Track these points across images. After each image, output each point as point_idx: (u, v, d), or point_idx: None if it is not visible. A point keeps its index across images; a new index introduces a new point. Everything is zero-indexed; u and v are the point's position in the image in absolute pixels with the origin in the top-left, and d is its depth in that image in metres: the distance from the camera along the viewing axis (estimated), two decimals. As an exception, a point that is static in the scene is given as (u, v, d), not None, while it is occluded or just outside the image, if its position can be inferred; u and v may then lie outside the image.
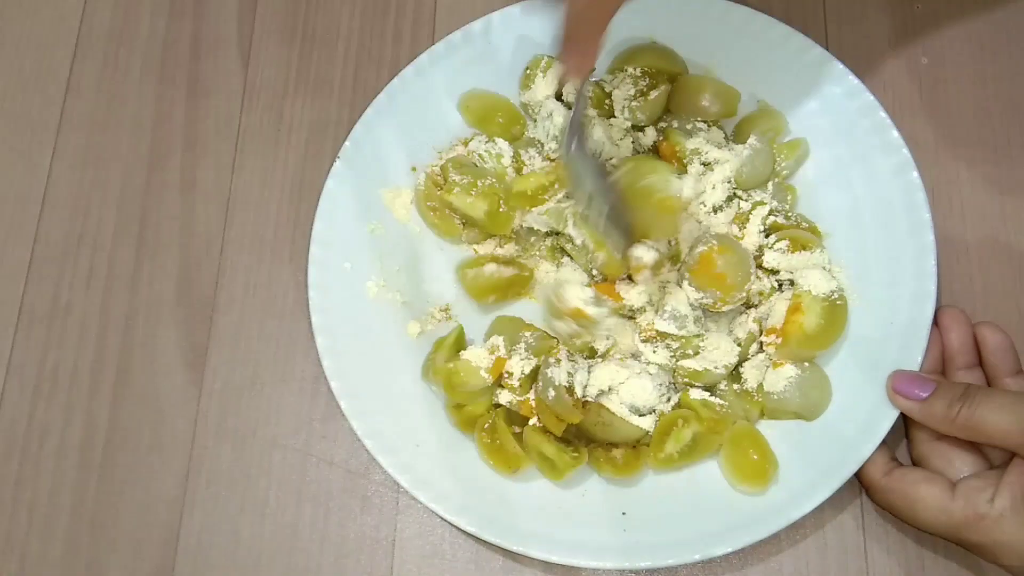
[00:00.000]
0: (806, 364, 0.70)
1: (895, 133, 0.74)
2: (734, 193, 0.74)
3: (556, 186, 0.73)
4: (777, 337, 0.70)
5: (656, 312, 0.71)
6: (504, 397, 0.72)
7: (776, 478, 0.68)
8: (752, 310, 0.72)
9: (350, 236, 0.76)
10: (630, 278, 0.72)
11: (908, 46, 0.83)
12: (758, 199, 0.74)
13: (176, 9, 0.88)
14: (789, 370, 0.69)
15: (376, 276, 0.76)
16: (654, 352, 0.70)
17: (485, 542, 0.69)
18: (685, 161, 0.74)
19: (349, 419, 0.71)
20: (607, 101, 0.78)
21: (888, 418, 0.67)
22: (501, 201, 0.74)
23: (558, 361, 0.69)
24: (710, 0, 0.78)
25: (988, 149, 0.79)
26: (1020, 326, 0.74)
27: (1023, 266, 0.76)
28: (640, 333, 0.71)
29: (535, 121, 0.79)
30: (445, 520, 0.69)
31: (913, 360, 0.68)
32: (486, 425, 0.70)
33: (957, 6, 0.84)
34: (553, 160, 0.76)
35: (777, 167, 0.75)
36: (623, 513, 0.69)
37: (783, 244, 0.72)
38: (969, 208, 0.78)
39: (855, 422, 0.68)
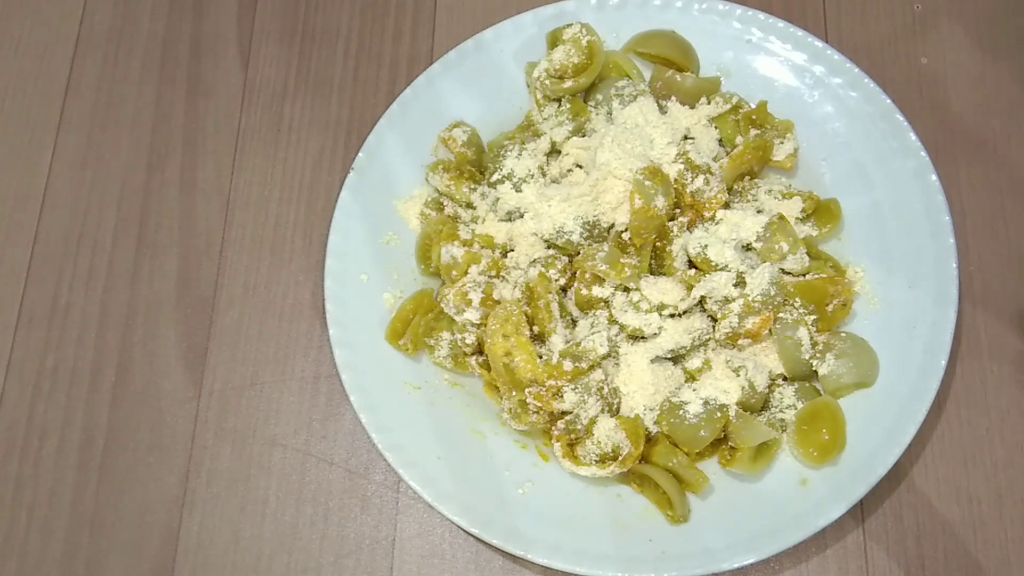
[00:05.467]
0: (842, 334, 0.71)
1: (913, 136, 0.74)
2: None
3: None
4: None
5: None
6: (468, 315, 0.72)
7: (836, 460, 0.68)
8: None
9: (366, 248, 0.76)
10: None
11: (908, 46, 0.83)
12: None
13: (176, 9, 0.88)
14: (831, 348, 0.70)
15: (392, 287, 0.76)
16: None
17: (485, 542, 0.69)
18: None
19: (358, 412, 0.71)
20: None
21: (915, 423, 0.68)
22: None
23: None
24: (720, 4, 0.79)
25: (988, 149, 0.79)
26: (1020, 326, 0.75)
27: (1023, 266, 0.76)
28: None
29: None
30: (447, 520, 0.69)
31: (937, 365, 0.68)
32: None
33: (957, 6, 0.84)
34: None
35: (816, 235, 0.75)
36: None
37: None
38: (969, 208, 0.78)
39: (880, 432, 0.68)
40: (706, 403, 0.68)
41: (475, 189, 0.76)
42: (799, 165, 0.77)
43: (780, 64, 0.78)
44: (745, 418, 0.68)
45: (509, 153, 0.76)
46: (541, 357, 0.70)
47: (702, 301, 0.71)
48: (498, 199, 0.75)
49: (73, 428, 0.76)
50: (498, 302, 0.72)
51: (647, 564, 0.66)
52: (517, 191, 0.74)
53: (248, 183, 0.83)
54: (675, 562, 0.66)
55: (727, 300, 0.70)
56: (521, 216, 0.75)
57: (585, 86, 0.78)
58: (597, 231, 0.73)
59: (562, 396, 0.69)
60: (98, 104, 0.86)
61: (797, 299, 0.71)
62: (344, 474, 0.74)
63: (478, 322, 0.72)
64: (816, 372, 0.71)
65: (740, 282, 0.71)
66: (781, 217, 0.72)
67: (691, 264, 0.73)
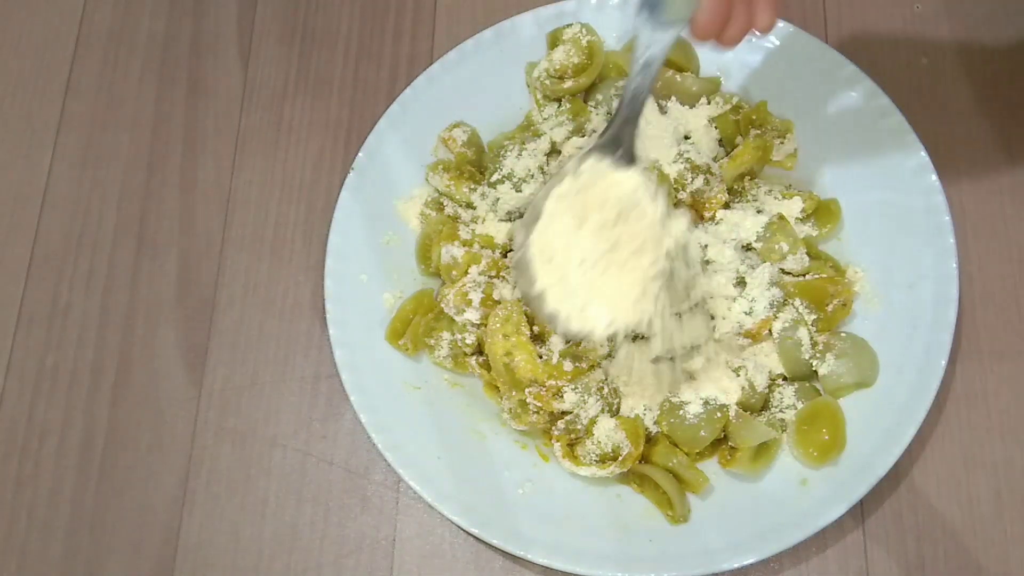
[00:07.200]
0: (842, 334, 0.71)
1: (913, 136, 0.74)
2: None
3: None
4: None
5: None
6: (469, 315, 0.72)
7: (836, 460, 0.68)
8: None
9: (365, 248, 0.76)
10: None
11: (908, 46, 0.83)
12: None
13: (176, 9, 0.88)
14: (831, 348, 0.70)
15: (392, 287, 0.76)
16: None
17: (485, 542, 0.69)
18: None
19: (358, 412, 0.71)
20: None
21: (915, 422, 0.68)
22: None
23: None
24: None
25: (988, 149, 0.79)
26: (1020, 327, 0.74)
27: (1023, 266, 0.76)
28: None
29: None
30: (447, 519, 0.69)
31: (937, 365, 0.68)
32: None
33: (957, 6, 0.84)
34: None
35: (816, 233, 0.75)
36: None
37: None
38: (969, 208, 0.78)
39: (880, 432, 0.68)
40: (706, 403, 0.68)
41: (475, 189, 0.76)
42: (799, 165, 0.77)
43: (780, 64, 0.78)
44: (745, 418, 0.68)
45: (509, 153, 0.76)
46: (541, 357, 0.70)
47: (702, 301, 0.71)
48: (498, 199, 0.75)
49: (73, 428, 0.76)
50: (498, 302, 0.72)
51: (647, 564, 0.66)
52: (517, 191, 0.74)
53: (248, 183, 0.83)
54: (675, 562, 0.66)
55: (727, 300, 0.70)
56: (521, 216, 0.75)
57: (585, 86, 0.78)
58: None
59: (562, 396, 0.69)
60: (98, 104, 0.86)
61: (797, 299, 0.71)
62: (344, 474, 0.74)
63: (478, 322, 0.72)
64: (816, 372, 0.71)
65: (740, 282, 0.71)
66: (781, 217, 0.73)
67: None
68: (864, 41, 0.83)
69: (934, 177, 0.73)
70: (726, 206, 0.74)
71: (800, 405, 0.70)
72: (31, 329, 0.79)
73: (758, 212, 0.74)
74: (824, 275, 0.72)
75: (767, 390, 0.71)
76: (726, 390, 0.69)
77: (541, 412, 0.70)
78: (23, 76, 0.87)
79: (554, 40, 0.79)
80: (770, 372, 0.71)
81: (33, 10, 0.89)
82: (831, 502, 0.67)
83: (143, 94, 0.86)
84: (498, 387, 0.72)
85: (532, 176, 0.75)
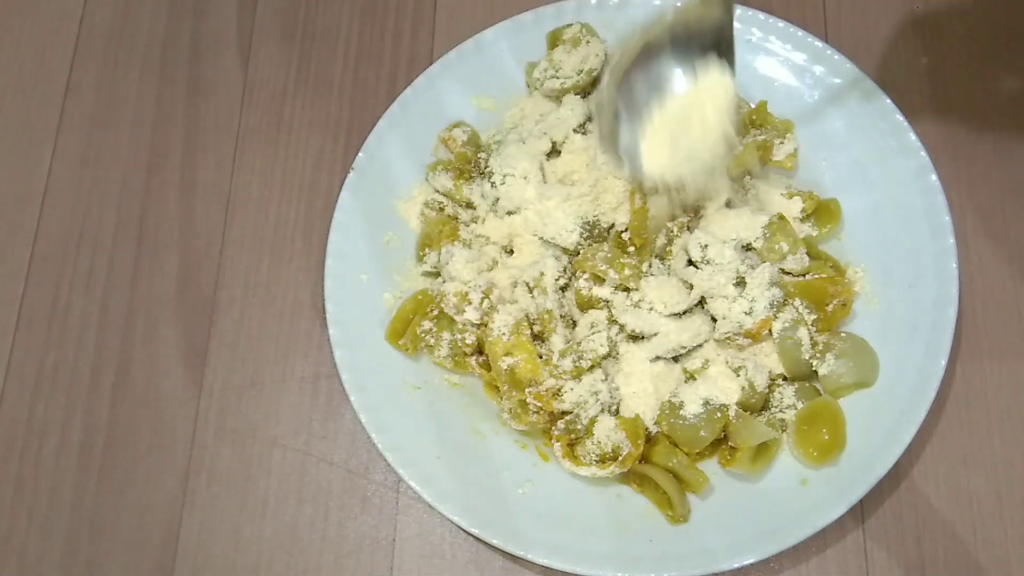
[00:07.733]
0: (842, 334, 0.71)
1: (913, 136, 0.74)
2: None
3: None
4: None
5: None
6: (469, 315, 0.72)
7: (836, 460, 0.68)
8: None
9: (365, 248, 0.76)
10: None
11: (908, 46, 0.83)
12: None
13: (176, 9, 0.89)
14: (831, 348, 0.70)
15: (392, 287, 0.76)
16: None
17: (485, 542, 0.69)
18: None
19: (358, 412, 0.71)
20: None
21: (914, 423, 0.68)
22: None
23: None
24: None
25: (988, 149, 0.79)
26: (1020, 326, 0.75)
27: (1023, 266, 0.76)
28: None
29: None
30: (447, 519, 0.69)
31: (937, 365, 0.68)
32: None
33: (957, 6, 0.84)
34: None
35: (816, 234, 0.75)
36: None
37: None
38: (969, 208, 0.78)
39: (880, 432, 0.68)
40: (706, 403, 0.68)
41: (474, 188, 0.76)
42: (799, 165, 0.77)
43: (780, 64, 0.78)
44: (745, 418, 0.68)
45: (505, 147, 0.75)
46: (541, 357, 0.70)
47: (702, 301, 0.71)
48: (498, 199, 0.75)
49: (73, 428, 0.76)
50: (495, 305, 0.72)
51: (647, 564, 0.66)
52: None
53: (248, 183, 0.83)
54: (675, 562, 0.66)
55: (727, 300, 0.70)
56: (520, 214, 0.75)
57: (585, 86, 0.78)
58: (597, 231, 0.73)
59: (562, 396, 0.69)
60: (98, 104, 0.86)
61: (797, 299, 0.71)
62: (344, 474, 0.74)
63: (478, 322, 0.72)
64: (816, 372, 0.71)
65: (740, 282, 0.71)
66: (781, 217, 0.73)
67: (691, 264, 0.73)
68: (864, 41, 0.83)
69: (934, 177, 0.73)
70: (726, 206, 0.74)
71: (800, 405, 0.70)
72: (31, 329, 0.79)
73: (758, 212, 0.74)
74: (824, 275, 0.72)
75: (767, 390, 0.71)
76: (726, 390, 0.69)
77: (541, 412, 0.70)
78: (23, 76, 0.87)
79: (554, 40, 0.79)
80: (770, 372, 0.71)
81: (33, 10, 0.89)
82: (831, 502, 0.67)
83: (143, 94, 0.86)
84: (498, 387, 0.72)
85: (531, 176, 0.75)
